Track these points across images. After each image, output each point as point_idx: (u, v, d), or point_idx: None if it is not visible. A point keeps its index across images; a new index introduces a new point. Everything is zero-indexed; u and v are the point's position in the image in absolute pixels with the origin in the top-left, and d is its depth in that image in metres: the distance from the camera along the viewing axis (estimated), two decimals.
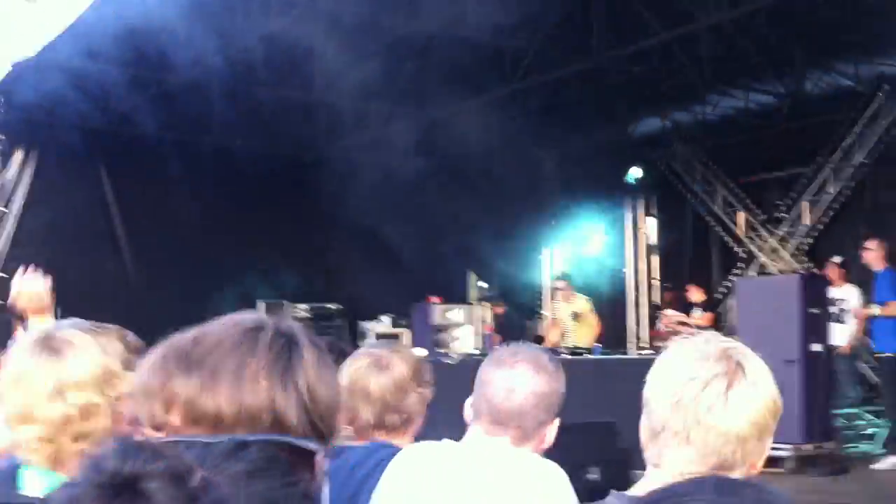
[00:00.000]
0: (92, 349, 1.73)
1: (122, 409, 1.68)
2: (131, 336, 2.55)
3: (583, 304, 11.79)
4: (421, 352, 8.23)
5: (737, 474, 1.53)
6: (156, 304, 11.91)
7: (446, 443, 2.27)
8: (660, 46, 12.45)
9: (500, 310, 13.47)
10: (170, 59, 11.36)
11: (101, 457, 0.81)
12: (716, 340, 1.60)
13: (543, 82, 13.58)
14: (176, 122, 13.71)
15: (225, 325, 1.11)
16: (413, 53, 12.54)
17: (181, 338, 1.11)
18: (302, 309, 13.48)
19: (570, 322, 11.76)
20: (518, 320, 13.82)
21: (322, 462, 0.98)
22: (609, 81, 14.11)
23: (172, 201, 13.84)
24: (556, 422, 2.24)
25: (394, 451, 2.42)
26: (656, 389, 1.57)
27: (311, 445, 0.99)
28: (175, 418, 1.06)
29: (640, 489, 1.60)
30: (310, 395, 1.08)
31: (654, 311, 13.54)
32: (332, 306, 13.08)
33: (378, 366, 2.54)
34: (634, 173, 14.31)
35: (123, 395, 1.68)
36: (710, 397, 1.51)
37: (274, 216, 14.49)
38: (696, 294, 12.20)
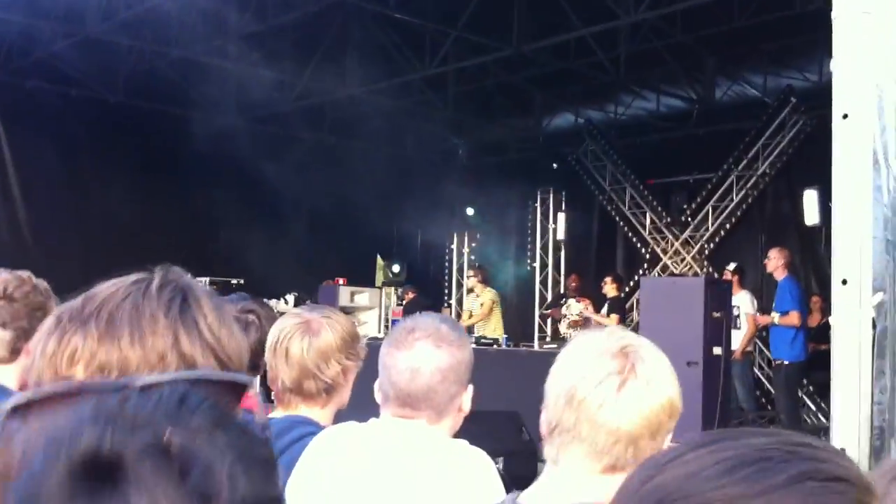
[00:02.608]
0: None
1: None
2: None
3: (490, 295, 11.82)
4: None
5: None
6: (48, 259, 11.55)
7: (368, 425, 2.16)
8: (578, 42, 12.51)
9: (411, 295, 13.38)
10: (76, 12, 10.87)
11: (68, 427, 0.63)
12: (617, 336, 1.56)
13: (461, 69, 13.50)
14: (80, 78, 13.18)
15: (113, 282, 1.12)
16: (331, 28, 12.26)
17: (72, 301, 1.11)
18: (202, 282, 13.08)
19: (478, 312, 11.77)
20: (427, 307, 13.69)
21: (257, 398, 0.83)
22: (526, 73, 14.14)
23: (71, 158, 13.35)
24: (470, 388, 2.14)
25: (313, 429, 2.31)
26: (553, 384, 1.54)
27: (243, 378, 0.83)
28: (79, 372, 1.04)
29: (537, 490, 1.55)
30: (213, 337, 1.07)
31: (560, 297, 13.49)
32: (234, 281, 12.70)
33: (305, 329, 2.42)
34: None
35: None
36: (601, 395, 1.48)
37: (178, 182, 14.07)
38: (610, 288, 11.86)
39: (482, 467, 2.07)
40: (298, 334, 2.41)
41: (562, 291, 14.04)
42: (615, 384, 1.47)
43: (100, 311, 1.07)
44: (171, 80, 12.80)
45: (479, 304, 11.78)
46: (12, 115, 13.20)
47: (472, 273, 12.26)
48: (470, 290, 12.35)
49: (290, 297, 12.69)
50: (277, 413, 2.45)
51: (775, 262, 9.53)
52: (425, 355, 2.05)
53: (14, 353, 2.49)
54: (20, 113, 13.08)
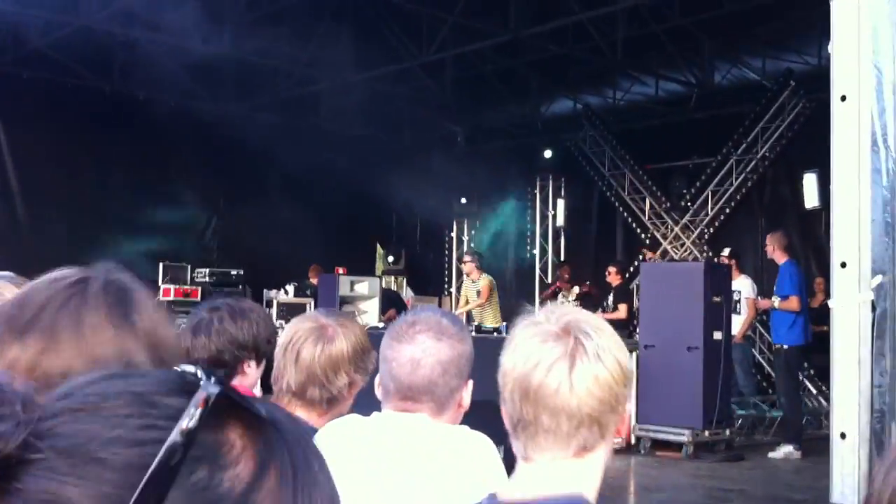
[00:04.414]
0: None
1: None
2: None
3: (486, 281, 11.71)
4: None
5: (602, 448, 1.48)
6: (46, 251, 11.58)
7: (370, 419, 2.15)
8: (576, 26, 12.46)
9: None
10: (70, 2, 10.83)
11: None
12: (556, 315, 1.50)
13: (458, 55, 13.45)
14: (76, 68, 13.14)
15: (46, 284, 1.07)
16: (327, 15, 12.21)
17: (3, 305, 1.07)
18: (203, 273, 13.10)
19: (474, 300, 11.71)
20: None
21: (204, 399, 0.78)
22: (524, 59, 14.08)
23: (68, 147, 13.29)
24: (470, 383, 2.14)
25: (311, 430, 2.26)
26: (504, 378, 1.49)
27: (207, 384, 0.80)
28: None
29: (515, 486, 1.50)
30: (153, 338, 1.07)
31: (546, 288, 13.43)
32: (234, 272, 12.68)
33: (320, 335, 2.38)
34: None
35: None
36: (554, 381, 1.43)
37: (174, 172, 14.04)
38: (614, 277, 11.82)
39: (484, 451, 2.06)
40: (312, 339, 2.37)
41: (554, 283, 13.96)
42: (566, 367, 1.43)
43: (37, 321, 1.03)
44: (167, 68, 12.74)
45: (477, 290, 11.70)
46: (9, 107, 13.13)
47: (468, 259, 11.95)
48: (464, 276, 12.24)
49: (290, 288, 12.66)
50: None
51: (773, 246, 9.51)
52: (426, 348, 2.05)
53: None
54: (17, 104, 13.04)
